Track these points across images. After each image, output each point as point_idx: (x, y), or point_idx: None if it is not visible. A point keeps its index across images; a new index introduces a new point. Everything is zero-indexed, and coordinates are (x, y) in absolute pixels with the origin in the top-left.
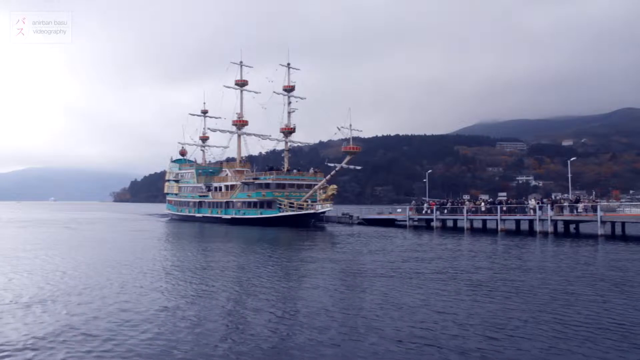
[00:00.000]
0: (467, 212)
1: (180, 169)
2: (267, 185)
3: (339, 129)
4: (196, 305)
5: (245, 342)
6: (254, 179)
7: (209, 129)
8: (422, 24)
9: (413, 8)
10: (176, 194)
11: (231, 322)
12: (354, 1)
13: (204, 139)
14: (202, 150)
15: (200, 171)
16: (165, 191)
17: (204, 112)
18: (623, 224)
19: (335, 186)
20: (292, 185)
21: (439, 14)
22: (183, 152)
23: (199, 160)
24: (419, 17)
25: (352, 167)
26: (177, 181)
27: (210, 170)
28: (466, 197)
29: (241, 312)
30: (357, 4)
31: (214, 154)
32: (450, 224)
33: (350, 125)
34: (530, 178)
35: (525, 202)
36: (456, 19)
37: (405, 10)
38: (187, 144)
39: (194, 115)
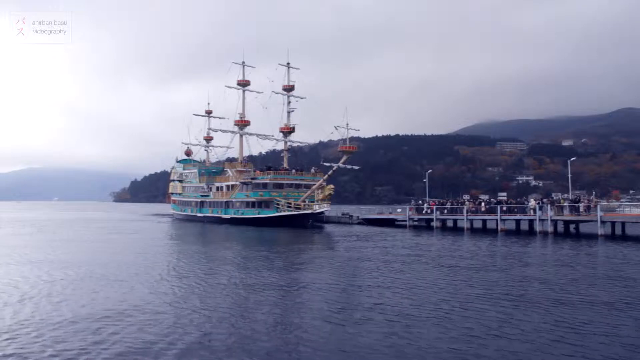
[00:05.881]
0: (467, 212)
1: (184, 169)
2: (265, 185)
3: (336, 129)
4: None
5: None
6: (251, 178)
7: (210, 129)
8: (421, 23)
9: (412, 8)
10: (180, 194)
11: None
12: (353, 2)
13: (208, 139)
14: (206, 150)
15: (202, 171)
16: (170, 191)
17: (208, 112)
18: (623, 224)
19: (332, 186)
20: (290, 185)
21: (439, 13)
22: (189, 152)
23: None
24: (418, 17)
25: (349, 166)
26: (180, 181)
27: (213, 170)
28: (466, 197)
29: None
30: (356, 5)
31: (217, 154)
32: (450, 224)
33: (347, 124)
34: (530, 178)
35: (525, 202)
36: (455, 19)
37: (404, 10)
38: (191, 144)
39: (198, 115)
